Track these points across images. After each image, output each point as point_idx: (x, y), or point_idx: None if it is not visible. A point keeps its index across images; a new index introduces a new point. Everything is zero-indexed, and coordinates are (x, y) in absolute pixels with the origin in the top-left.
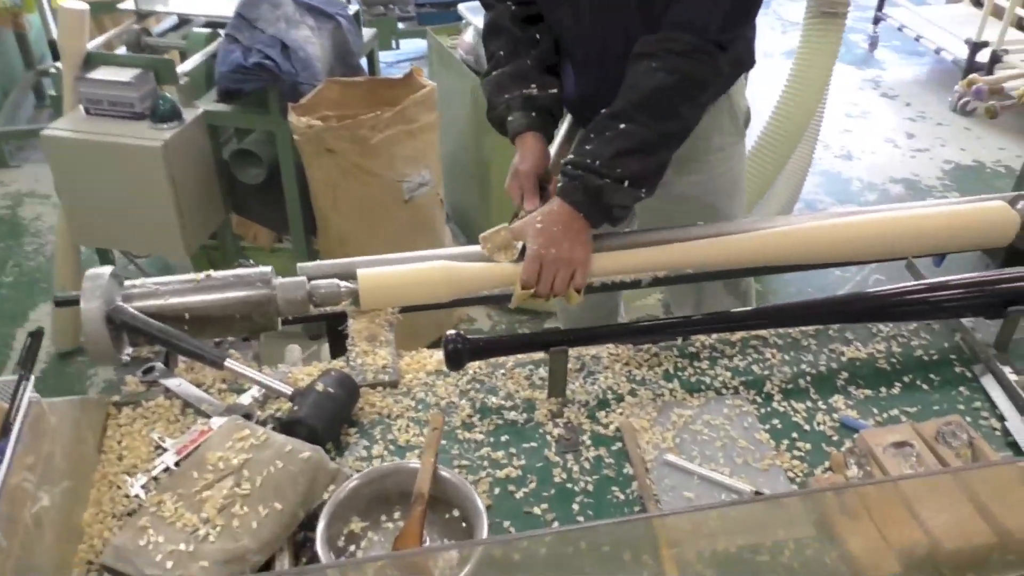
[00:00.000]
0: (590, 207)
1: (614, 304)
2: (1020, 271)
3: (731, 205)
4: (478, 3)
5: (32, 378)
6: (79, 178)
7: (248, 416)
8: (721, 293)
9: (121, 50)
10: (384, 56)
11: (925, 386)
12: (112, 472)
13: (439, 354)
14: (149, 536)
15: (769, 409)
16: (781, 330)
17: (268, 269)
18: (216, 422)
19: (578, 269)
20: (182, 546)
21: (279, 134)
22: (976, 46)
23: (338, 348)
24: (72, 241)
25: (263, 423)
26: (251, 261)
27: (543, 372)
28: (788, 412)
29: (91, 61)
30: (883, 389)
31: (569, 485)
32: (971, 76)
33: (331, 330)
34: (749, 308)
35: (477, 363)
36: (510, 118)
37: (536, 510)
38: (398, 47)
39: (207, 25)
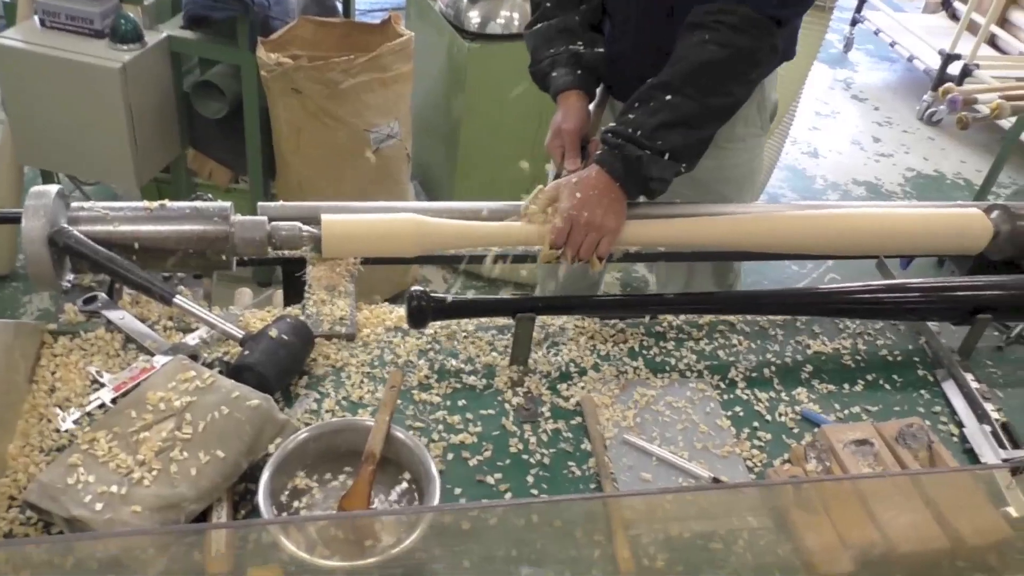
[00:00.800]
0: (628, 177)
1: (599, 278)
2: (989, 280)
3: (740, 196)
4: None
5: None
6: (29, 93)
7: (194, 357)
8: (708, 277)
9: None
10: (360, 3)
11: (887, 386)
12: (43, 404)
13: (400, 310)
14: (79, 475)
15: (732, 396)
16: (750, 317)
17: (228, 205)
18: (159, 360)
19: (607, 237)
20: (114, 488)
21: (245, 69)
22: (949, 58)
23: (293, 295)
24: (15, 159)
25: (210, 366)
26: (210, 196)
27: (506, 339)
28: (751, 400)
29: None
30: (846, 385)
31: (525, 456)
32: (947, 85)
33: (287, 276)
34: (720, 292)
35: (439, 323)
36: (554, 74)
37: (489, 479)
38: None
39: None
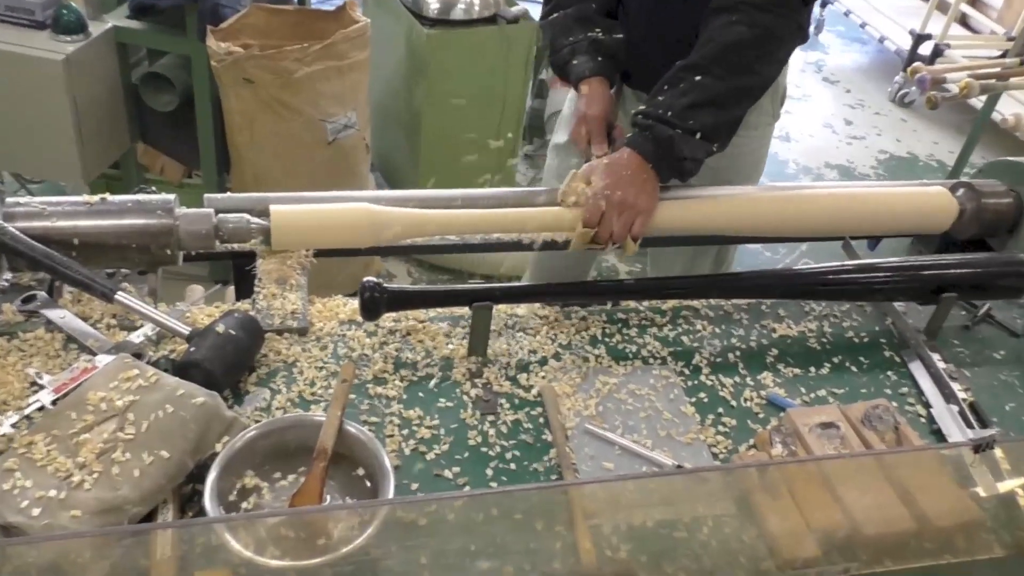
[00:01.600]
0: (660, 158)
1: (589, 265)
2: (954, 258)
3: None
4: None
5: None
6: None
7: (139, 356)
8: (709, 263)
9: None
10: None
11: (854, 368)
12: None
13: (354, 303)
14: (15, 480)
15: (696, 382)
16: (713, 302)
17: (171, 197)
18: (102, 360)
19: (640, 217)
20: (52, 492)
21: (195, 59)
22: (920, 38)
23: (244, 290)
24: None
25: (155, 364)
26: (153, 188)
27: (464, 329)
28: (715, 386)
29: None
30: (812, 369)
31: (484, 449)
32: (915, 65)
33: (237, 270)
34: (684, 276)
35: (394, 315)
36: (575, 61)
37: (447, 473)
38: None
39: None
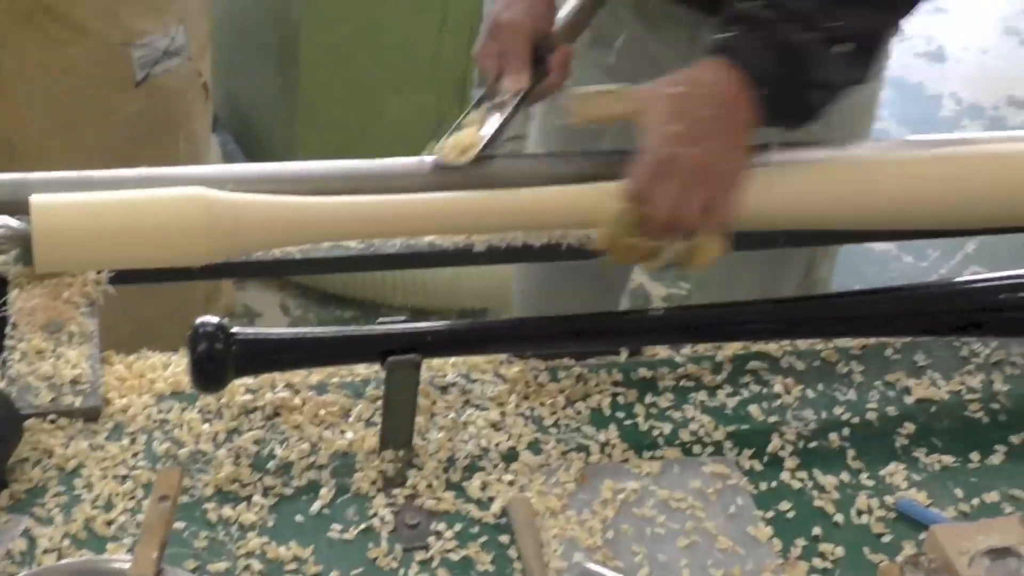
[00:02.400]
0: (780, 80)
1: (620, 291)
2: None
3: None
4: None
5: None
6: None
7: None
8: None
9: None
10: None
11: None
12: None
13: (181, 363)
14: None
15: (775, 483)
16: (803, 345)
17: None
18: None
19: (725, 193)
20: None
21: None
22: None
23: None
24: None
25: None
26: None
27: (374, 404)
28: (807, 490)
29: None
30: (975, 455)
31: None
32: None
33: None
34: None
35: (252, 381)
36: None
37: None
38: None
39: None
